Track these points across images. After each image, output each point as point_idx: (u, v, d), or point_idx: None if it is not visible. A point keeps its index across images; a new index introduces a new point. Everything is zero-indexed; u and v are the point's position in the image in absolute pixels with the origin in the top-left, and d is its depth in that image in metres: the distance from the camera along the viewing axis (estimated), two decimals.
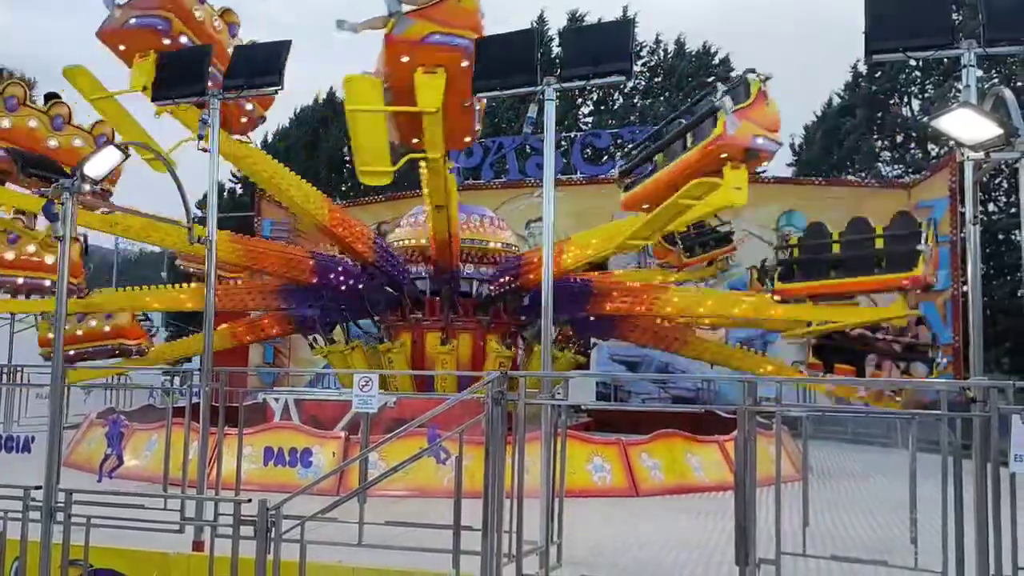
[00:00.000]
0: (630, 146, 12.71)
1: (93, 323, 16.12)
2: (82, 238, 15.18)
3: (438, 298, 14.99)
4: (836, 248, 13.29)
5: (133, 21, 10.30)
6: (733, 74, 9.85)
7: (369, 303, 15.29)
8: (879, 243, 12.84)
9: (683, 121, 10.03)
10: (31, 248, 14.30)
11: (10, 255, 14.32)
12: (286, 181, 13.20)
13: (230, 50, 10.59)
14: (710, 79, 33.97)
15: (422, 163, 11.62)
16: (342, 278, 14.72)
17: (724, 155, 8.90)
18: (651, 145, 10.46)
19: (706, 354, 17.21)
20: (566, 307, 14.95)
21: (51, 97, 13.66)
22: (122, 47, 10.46)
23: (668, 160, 9.96)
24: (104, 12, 10.37)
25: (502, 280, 14.86)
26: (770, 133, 8.89)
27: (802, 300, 13.58)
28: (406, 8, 9.42)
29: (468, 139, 11.52)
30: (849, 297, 13.63)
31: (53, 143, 12.94)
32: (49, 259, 14.16)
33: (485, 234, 15.45)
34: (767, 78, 9.13)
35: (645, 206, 10.60)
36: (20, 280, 14.24)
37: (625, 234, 12.22)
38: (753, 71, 9.07)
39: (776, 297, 13.68)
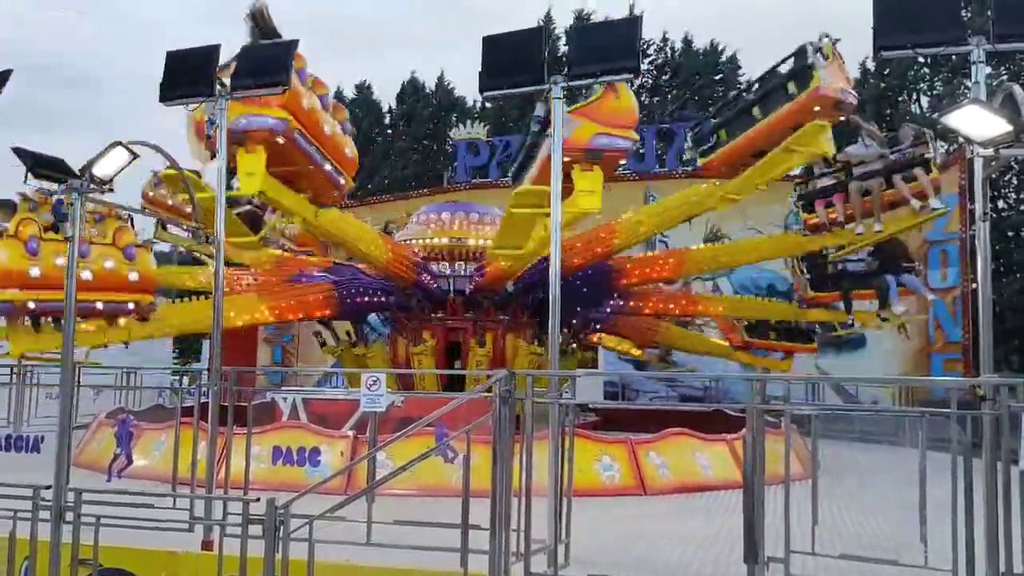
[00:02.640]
0: (694, 121, 13.01)
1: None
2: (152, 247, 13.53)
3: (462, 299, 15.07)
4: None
5: (244, 122, 9.61)
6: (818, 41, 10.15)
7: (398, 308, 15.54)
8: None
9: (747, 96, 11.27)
10: (109, 264, 12.27)
11: (87, 274, 11.85)
12: (355, 236, 13.49)
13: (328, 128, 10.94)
14: (718, 76, 34.03)
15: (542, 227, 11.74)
16: (366, 299, 15.10)
17: (817, 107, 9.85)
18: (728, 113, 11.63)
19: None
20: (592, 294, 15.03)
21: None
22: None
23: (736, 130, 11.20)
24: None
25: (534, 270, 14.84)
26: (848, 85, 10.30)
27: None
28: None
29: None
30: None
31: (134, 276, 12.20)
32: (133, 275, 12.34)
33: (492, 234, 15.44)
34: (837, 40, 10.18)
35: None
36: (99, 305, 12.19)
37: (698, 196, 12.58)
38: (827, 35, 10.10)
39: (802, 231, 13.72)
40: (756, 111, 11.01)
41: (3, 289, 11.04)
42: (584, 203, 9.10)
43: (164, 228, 15.07)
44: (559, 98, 8.11)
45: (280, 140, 9.90)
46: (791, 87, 10.41)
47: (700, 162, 12.15)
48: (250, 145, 9.63)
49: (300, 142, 10.40)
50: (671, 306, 17.38)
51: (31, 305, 11.61)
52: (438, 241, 15.43)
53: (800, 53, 10.25)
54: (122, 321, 12.82)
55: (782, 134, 10.59)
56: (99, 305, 12.05)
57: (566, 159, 8.50)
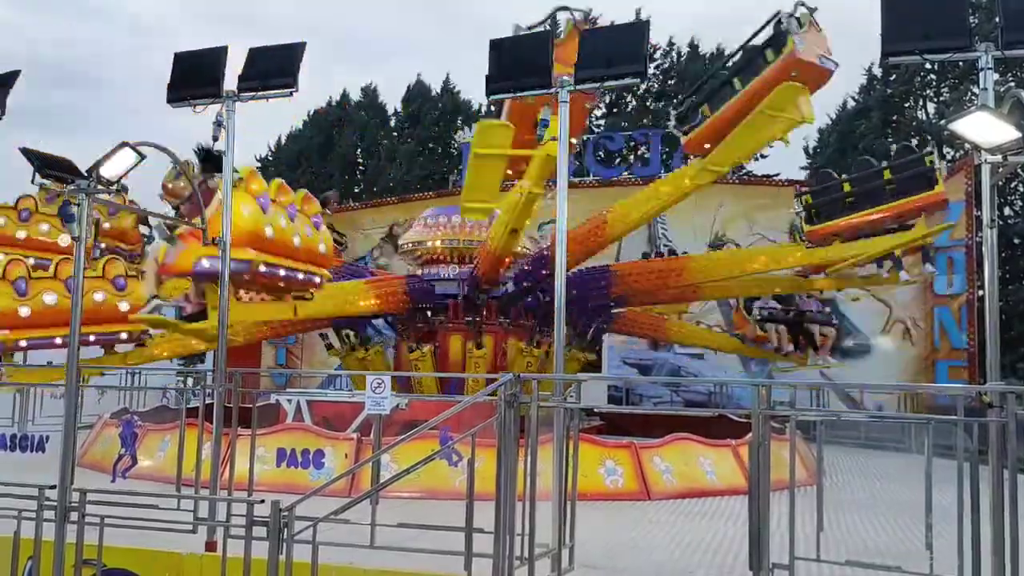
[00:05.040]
0: (681, 97, 13.27)
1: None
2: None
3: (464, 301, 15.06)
4: (846, 187, 13.41)
5: (207, 265, 9.81)
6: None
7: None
8: (887, 174, 12.99)
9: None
10: (99, 296, 12.46)
11: (124, 305, 12.44)
12: (345, 301, 13.69)
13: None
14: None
15: (517, 191, 11.75)
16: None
17: (795, 72, 10.01)
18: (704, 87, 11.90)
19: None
20: (591, 296, 15.03)
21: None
22: None
23: (717, 103, 11.36)
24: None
25: (532, 273, 14.84)
26: (828, 54, 10.22)
27: (830, 241, 13.59)
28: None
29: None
30: (872, 234, 13.67)
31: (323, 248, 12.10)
32: (124, 305, 12.38)
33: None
34: (814, 9, 10.36)
35: (707, 146, 11.68)
36: (91, 338, 12.30)
37: (688, 175, 12.60)
38: (802, 3, 10.26)
39: (806, 242, 13.80)
40: (736, 82, 11.26)
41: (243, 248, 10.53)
42: (806, 112, 10.07)
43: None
44: (565, 102, 8.12)
45: (246, 277, 10.08)
46: (769, 55, 10.69)
47: (683, 140, 12.20)
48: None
49: (266, 272, 10.42)
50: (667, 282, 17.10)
51: (23, 343, 12.02)
52: (441, 244, 15.42)
53: (776, 22, 10.45)
54: (120, 348, 13.15)
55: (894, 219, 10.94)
56: (91, 338, 12.34)
57: (793, 73, 9.64)
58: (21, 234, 13.79)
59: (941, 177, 12.37)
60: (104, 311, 12.41)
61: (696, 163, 12.32)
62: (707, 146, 11.79)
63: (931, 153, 13.03)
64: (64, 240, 12.93)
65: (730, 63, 12.09)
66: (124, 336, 12.83)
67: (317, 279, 11.44)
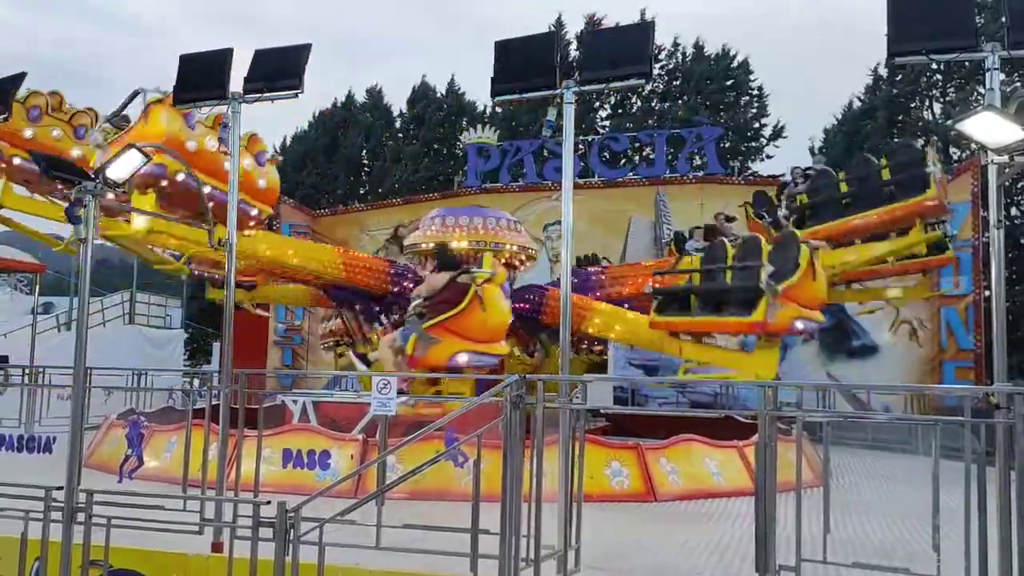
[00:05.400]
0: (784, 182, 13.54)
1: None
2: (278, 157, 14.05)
3: None
4: (844, 187, 13.37)
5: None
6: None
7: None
8: (885, 174, 12.90)
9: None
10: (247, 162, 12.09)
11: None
12: (297, 255, 13.56)
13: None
14: (729, 82, 33.97)
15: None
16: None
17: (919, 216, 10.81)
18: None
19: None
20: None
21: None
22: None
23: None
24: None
25: (523, 307, 14.90)
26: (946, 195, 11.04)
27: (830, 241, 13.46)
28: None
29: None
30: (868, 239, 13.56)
31: (76, 152, 12.71)
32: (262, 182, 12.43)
33: (502, 237, 15.46)
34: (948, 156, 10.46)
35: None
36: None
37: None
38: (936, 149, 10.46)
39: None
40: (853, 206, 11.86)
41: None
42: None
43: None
44: (571, 103, 8.12)
45: (164, 183, 10.31)
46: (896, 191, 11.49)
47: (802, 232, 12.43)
48: (140, 189, 10.20)
49: (185, 181, 10.49)
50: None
51: (180, 177, 10.92)
52: (468, 245, 15.40)
53: (915, 155, 10.49)
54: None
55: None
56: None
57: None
58: (28, 132, 12.92)
59: (934, 181, 12.05)
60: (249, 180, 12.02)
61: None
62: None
63: (925, 154, 12.95)
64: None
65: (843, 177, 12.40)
66: (254, 212, 12.52)
67: (254, 211, 11.38)
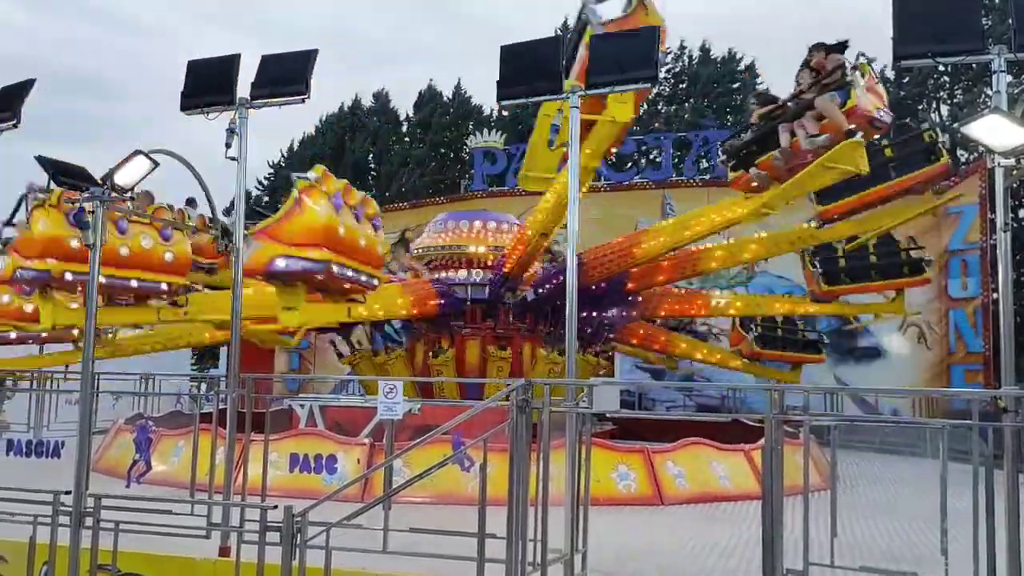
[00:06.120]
0: (727, 137, 12.85)
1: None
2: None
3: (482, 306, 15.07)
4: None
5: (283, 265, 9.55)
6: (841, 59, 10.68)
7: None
8: (888, 152, 12.90)
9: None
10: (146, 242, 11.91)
11: (124, 251, 11.65)
12: (385, 307, 13.63)
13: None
14: (735, 85, 33.94)
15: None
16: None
17: (852, 126, 10.07)
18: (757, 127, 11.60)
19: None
20: (613, 300, 14.99)
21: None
22: None
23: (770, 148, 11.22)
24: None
25: (548, 286, 14.83)
26: (884, 107, 10.36)
27: (845, 217, 13.42)
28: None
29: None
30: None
31: (168, 256, 11.64)
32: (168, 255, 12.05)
33: (508, 241, 15.46)
34: (873, 60, 10.19)
35: (754, 184, 11.66)
36: (133, 283, 11.62)
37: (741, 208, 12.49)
38: (863, 54, 10.55)
39: (819, 222, 13.58)
40: (787, 129, 11.10)
41: (42, 259, 10.50)
42: (860, 163, 10.00)
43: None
44: (576, 107, 8.13)
45: (319, 278, 9.69)
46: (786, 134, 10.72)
47: (730, 176, 12.10)
48: (289, 283, 9.57)
49: (338, 272, 10.00)
50: (687, 307, 17.23)
51: (68, 277, 11.20)
52: (455, 249, 15.46)
53: (837, 69, 10.39)
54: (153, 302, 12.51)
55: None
56: (133, 283, 11.24)
57: (852, 126, 10.06)
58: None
59: (944, 149, 12.22)
60: (152, 257, 11.93)
61: (752, 202, 12.09)
62: (754, 184, 11.72)
63: (930, 129, 13.09)
64: None
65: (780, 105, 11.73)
66: (164, 287, 12.35)
67: (376, 281, 11.30)
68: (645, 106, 35.04)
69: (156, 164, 7.78)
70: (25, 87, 11.18)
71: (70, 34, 76.01)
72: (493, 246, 15.39)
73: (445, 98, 38.21)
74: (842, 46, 10.78)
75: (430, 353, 15.19)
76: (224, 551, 7.76)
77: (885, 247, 15.32)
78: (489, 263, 15.24)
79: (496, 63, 8.40)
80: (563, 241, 17.62)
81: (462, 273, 15.32)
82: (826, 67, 10.69)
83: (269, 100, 8.94)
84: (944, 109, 30.86)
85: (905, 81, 30.68)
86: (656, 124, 32.29)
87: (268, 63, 9.10)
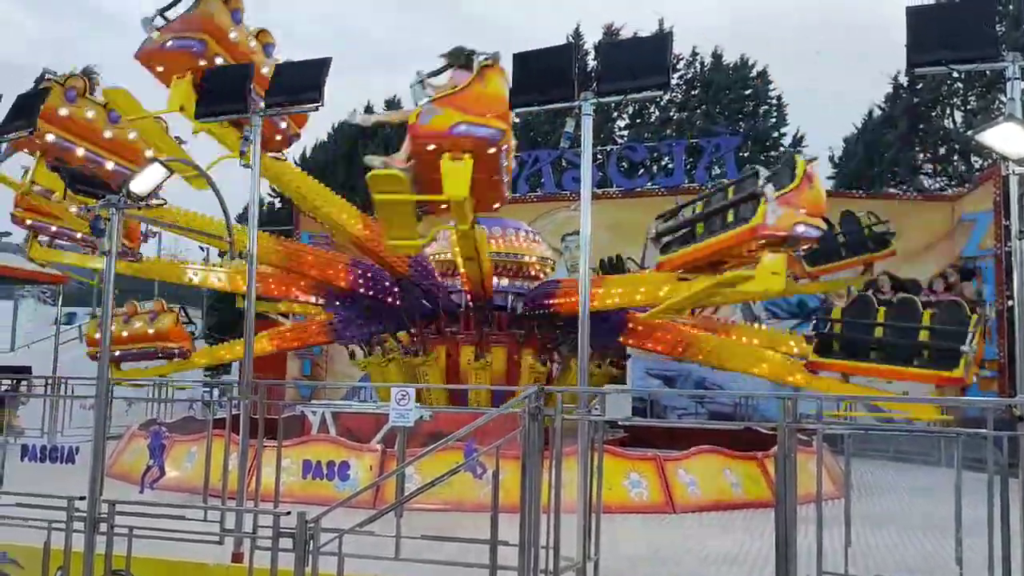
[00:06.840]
0: (668, 210, 11.56)
1: (138, 325, 16.84)
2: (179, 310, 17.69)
3: (473, 312, 15.05)
4: (879, 332, 12.81)
5: (170, 43, 10.27)
6: (779, 152, 9.85)
7: (405, 314, 15.36)
8: (923, 335, 12.40)
9: (722, 193, 9.98)
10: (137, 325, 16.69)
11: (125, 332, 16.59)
12: (319, 197, 13.38)
13: (265, 70, 10.45)
14: (747, 91, 33.89)
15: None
16: (373, 283, 14.89)
17: (763, 241, 9.01)
18: (690, 211, 10.42)
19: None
20: (600, 336, 14.93)
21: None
22: (160, 68, 10.46)
23: (707, 231, 9.94)
24: (143, 34, 10.50)
25: (537, 303, 14.89)
26: (812, 218, 8.91)
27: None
28: (429, 97, 9.28)
29: (497, 205, 11.14)
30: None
31: (108, 134, 12.81)
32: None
33: (520, 248, 15.46)
34: (813, 159, 9.22)
35: (680, 272, 10.77)
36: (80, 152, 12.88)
37: (655, 296, 12.65)
38: (799, 150, 9.17)
39: (805, 370, 13.57)
40: (699, 228, 10.16)
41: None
42: (770, 283, 9.08)
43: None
44: (589, 114, 8.14)
45: (492, 151, 9.42)
46: (730, 217, 9.53)
47: (658, 259, 11.03)
48: (456, 152, 9.24)
49: (505, 150, 9.84)
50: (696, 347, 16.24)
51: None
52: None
53: (750, 176, 9.35)
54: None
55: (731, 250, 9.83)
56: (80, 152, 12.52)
57: (762, 242, 8.71)
58: (64, 111, 12.92)
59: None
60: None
61: (683, 287, 11.20)
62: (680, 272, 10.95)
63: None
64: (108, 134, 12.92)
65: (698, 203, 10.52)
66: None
67: (283, 124, 11.62)
68: (657, 112, 35.10)
69: (171, 172, 7.84)
70: (40, 96, 11.30)
71: (70, 34, 76.45)
72: (502, 252, 15.33)
73: None
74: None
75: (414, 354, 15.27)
76: (237, 557, 7.80)
77: (849, 225, 16.03)
78: (507, 270, 15.25)
79: (509, 70, 8.45)
80: (575, 249, 17.71)
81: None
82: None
83: (282, 108, 9.00)
84: (958, 115, 30.71)
85: (919, 87, 30.55)
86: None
87: (282, 71, 9.17)
